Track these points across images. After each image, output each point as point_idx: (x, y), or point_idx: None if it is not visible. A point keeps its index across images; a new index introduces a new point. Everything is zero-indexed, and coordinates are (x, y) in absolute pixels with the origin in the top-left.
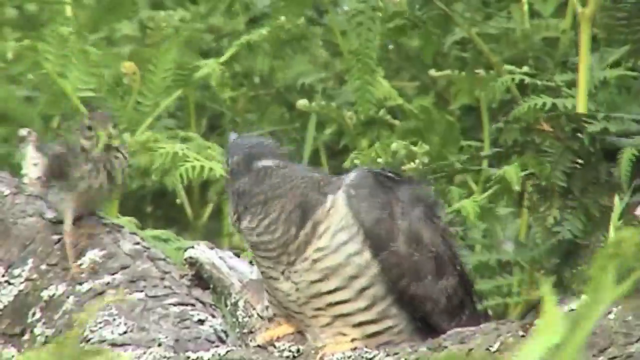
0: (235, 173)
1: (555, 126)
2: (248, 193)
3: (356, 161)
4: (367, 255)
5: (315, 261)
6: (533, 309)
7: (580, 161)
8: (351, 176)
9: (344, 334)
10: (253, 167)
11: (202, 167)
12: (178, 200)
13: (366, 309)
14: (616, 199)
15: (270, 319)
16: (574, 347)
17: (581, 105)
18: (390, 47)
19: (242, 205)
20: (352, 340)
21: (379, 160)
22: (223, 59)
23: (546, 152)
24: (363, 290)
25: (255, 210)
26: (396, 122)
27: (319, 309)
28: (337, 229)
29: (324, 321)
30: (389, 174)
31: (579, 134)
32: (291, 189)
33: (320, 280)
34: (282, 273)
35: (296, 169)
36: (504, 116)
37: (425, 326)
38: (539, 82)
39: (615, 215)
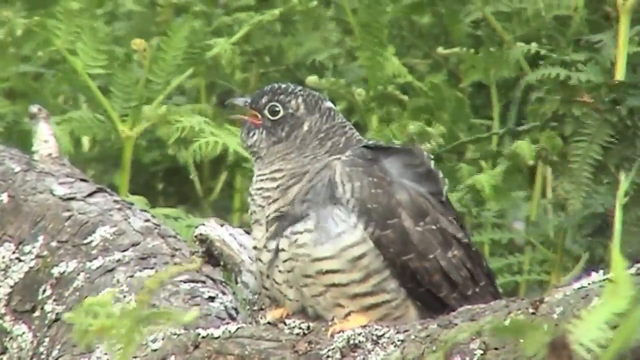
0: (303, 112)
1: (596, 97)
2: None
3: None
4: (359, 229)
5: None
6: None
7: (617, 137)
8: (346, 153)
9: (341, 306)
10: (323, 107)
11: (216, 143)
12: (192, 176)
13: (361, 281)
14: (622, 175)
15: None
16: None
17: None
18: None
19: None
20: (350, 313)
21: (395, 141)
22: (234, 39)
23: (584, 124)
24: (355, 260)
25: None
26: (405, 97)
27: (308, 276)
28: None
29: (316, 290)
30: (383, 146)
31: (617, 107)
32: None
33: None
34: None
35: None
36: (515, 88)
37: (433, 301)
38: (554, 55)
39: (621, 191)
